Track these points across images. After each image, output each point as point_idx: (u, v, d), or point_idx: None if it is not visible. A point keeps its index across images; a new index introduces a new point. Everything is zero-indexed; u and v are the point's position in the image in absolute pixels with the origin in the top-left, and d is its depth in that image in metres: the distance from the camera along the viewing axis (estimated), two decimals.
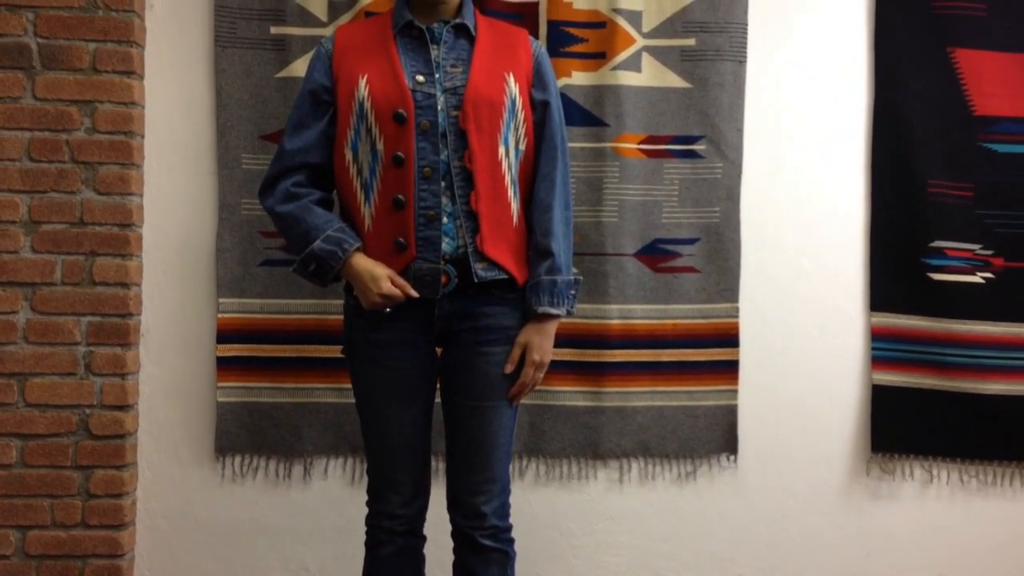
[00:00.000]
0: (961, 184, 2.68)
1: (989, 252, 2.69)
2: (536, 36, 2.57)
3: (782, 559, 2.71)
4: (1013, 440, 2.69)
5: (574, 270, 2.11)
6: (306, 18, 2.58)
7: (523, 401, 2.36)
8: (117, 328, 2.52)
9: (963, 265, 2.68)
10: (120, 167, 2.51)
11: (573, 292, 2.07)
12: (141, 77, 2.57)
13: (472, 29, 2.06)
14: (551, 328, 2.07)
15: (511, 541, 2.09)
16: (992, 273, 2.69)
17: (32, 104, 2.49)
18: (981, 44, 2.68)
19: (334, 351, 2.47)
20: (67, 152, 2.50)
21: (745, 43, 2.66)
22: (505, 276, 2.03)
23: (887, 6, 2.69)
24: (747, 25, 2.66)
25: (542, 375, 2.07)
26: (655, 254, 2.66)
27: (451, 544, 2.10)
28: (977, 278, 2.69)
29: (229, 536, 2.62)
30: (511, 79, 2.03)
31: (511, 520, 2.09)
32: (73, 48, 2.49)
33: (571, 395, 2.63)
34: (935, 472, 2.73)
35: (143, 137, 2.58)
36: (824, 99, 2.72)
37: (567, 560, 2.68)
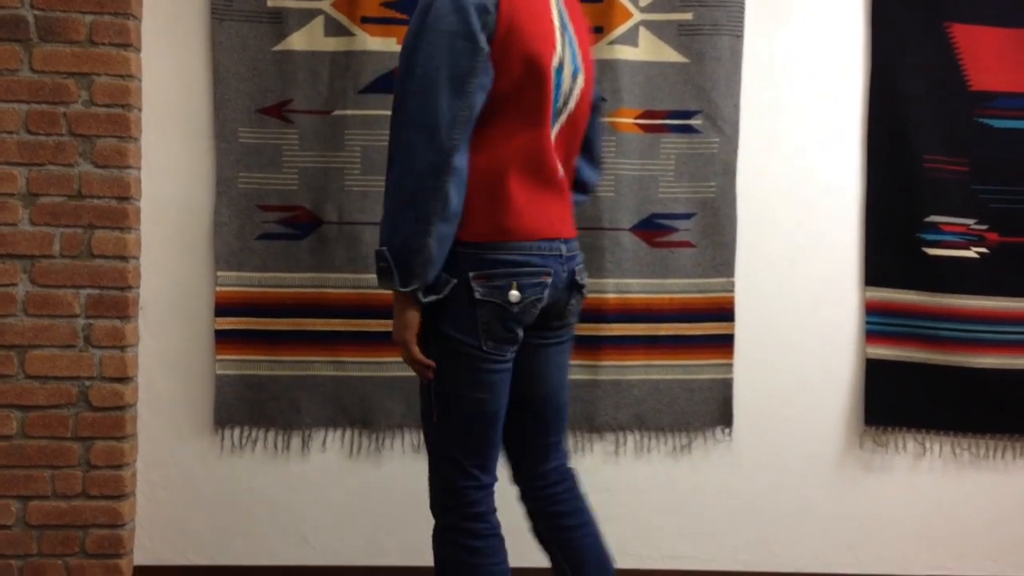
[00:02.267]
0: (957, 159, 2.69)
1: (984, 227, 2.70)
2: None
3: (776, 530, 2.74)
4: (1005, 413, 2.72)
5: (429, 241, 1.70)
6: None
7: None
8: (116, 301, 2.53)
9: (958, 240, 2.69)
10: (118, 140, 2.52)
11: (382, 264, 1.72)
12: (138, 50, 2.56)
13: None
14: (396, 302, 1.77)
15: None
16: (986, 248, 2.70)
17: (29, 77, 2.48)
18: (978, 19, 2.67)
19: (332, 324, 2.48)
20: (65, 125, 2.50)
21: (742, 18, 2.66)
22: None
23: None
24: (744, 0, 2.66)
25: (402, 354, 1.79)
26: (652, 229, 2.67)
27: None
28: (971, 253, 2.70)
29: (228, 507, 2.65)
30: None
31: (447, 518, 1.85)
32: (70, 20, 2.48)
33: None
34: (928, 445, 2.76)
35: (140, 110, 2.58)
36: (821, 74, 2.72)
37: None
